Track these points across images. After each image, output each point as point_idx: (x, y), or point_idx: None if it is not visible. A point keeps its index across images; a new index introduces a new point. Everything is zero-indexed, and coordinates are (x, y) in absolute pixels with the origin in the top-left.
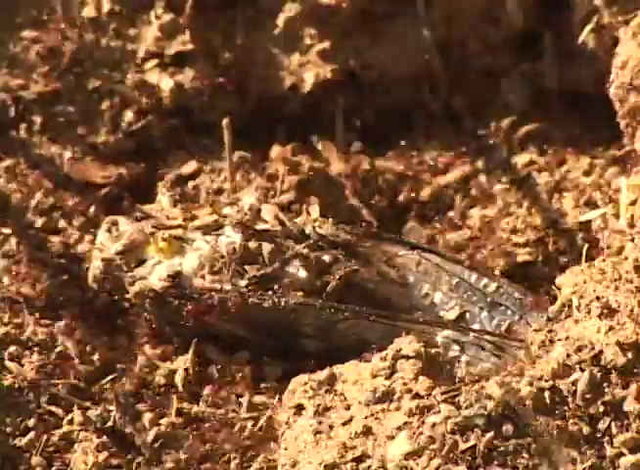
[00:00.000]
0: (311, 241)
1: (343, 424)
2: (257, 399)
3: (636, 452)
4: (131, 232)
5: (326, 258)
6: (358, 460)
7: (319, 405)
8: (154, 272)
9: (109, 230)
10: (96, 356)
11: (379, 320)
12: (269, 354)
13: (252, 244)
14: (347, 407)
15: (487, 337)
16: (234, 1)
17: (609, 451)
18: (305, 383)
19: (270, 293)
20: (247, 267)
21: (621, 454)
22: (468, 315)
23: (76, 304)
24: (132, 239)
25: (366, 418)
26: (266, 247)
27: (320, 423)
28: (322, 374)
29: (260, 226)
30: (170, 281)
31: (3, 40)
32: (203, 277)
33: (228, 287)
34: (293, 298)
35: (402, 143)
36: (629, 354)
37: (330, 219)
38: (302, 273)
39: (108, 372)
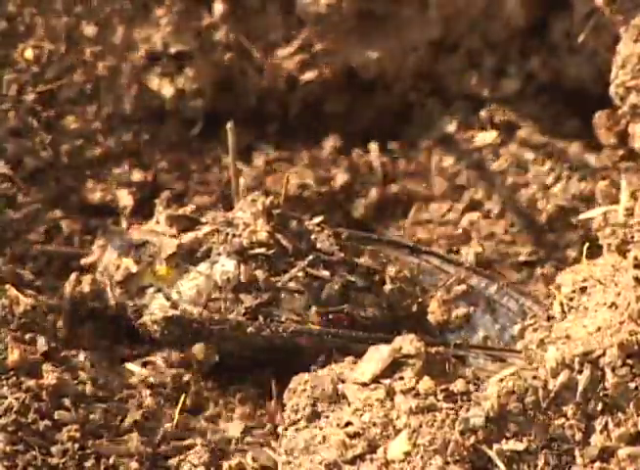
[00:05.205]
0: (306, 262)
1: (344, 423)
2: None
3: (632, 444)
4: (129, 261)
5: (323, 273)
6: (358, 459)
7: (319, 404)
8: (153, 301)
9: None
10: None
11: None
12: (269, 369)
13: (247, 271)
14: (347, 406)
15: (488, 351)
16: (234, 1)
17: (607, 445)
18: (305, 382)
19: (268, 321)
20: (242, 296)
21: (618, 447)
22: (471, 319)
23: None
24: (130, 269)
25: (366, 417)
26: (261, 274)
27: (320, 421)
28: (322, 373)
29: (255, 251)
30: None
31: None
32: (200, 306)
33: (225, 317)
34: (290, 325)
35: (402, 142)
36: (628, 353)
37: (328, 226)
38: (299, 298)
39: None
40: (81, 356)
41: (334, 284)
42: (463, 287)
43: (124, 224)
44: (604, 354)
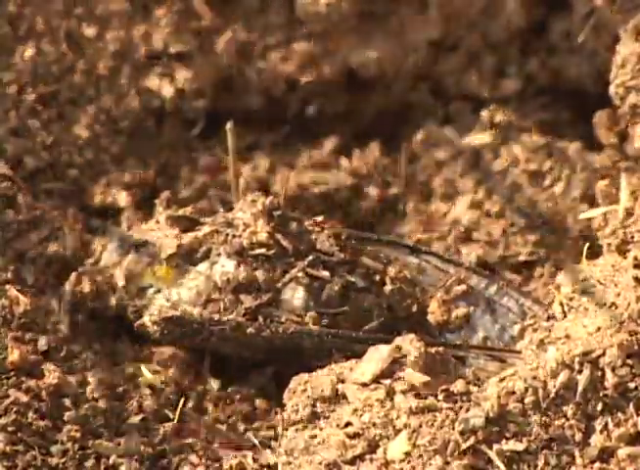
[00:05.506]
0: (306, 263)
1: (344, 423)
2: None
3: (632, 444)
4: (129, 262)
5: (323, 274)
6: (358, 459)
7: (319, 404)
8: (153, 301)
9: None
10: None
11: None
12: (269, 370)
13: (247, 272)
14: (347, 406)
15: (488, 351)
16: (233, 1)
17: (606, 445)
18: (305, 382)
19: (268, 322)
20: (242, 297)
21: (618, 447)
22: (470, 319)
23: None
24: (130, 269)
25: (366, 417)
26: (260, 275)
27: (320, 422)
28: (322, 373)
29: (255, 251)
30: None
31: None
32: (200, 307)
33: (225, 318)
34: (290, 326)
35: (402, 142)
36: (628, 353)
37: (328, 227)
38: (299, 299)
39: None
40: (81, 356)
41: (334, 285)
42: (463, 287)
43: (124, 224)
44: (604, 354)
